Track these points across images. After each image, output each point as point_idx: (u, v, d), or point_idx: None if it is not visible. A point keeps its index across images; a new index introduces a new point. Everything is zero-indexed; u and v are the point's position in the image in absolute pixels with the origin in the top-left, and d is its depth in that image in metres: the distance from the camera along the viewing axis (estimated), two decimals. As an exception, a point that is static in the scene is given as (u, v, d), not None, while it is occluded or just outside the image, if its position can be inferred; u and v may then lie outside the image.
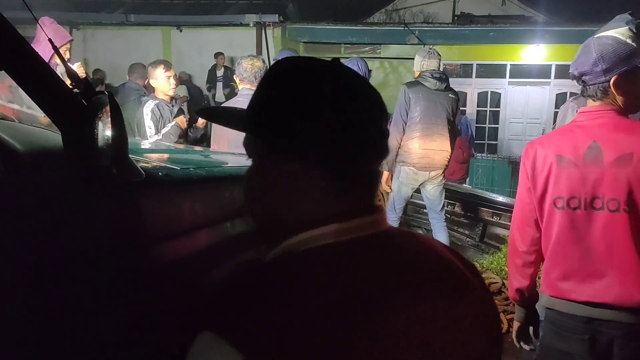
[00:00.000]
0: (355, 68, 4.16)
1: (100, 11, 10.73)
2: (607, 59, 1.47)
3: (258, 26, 10.33)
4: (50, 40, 1.23)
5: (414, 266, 0.68)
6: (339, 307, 0.59)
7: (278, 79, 0.72)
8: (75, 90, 1.24)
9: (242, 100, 3.22)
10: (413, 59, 9.38)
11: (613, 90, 1.49)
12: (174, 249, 1.46)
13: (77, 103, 1.24)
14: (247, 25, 10.35)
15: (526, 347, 1.77)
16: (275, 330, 0.57)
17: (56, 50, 1.25)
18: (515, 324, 1.79)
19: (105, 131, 1.22)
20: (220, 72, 10.04)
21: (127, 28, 10.57)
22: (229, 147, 3.09)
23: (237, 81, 3.35)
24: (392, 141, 4.07)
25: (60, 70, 3.30)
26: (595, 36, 1.55)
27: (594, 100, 1.54)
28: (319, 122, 0.66)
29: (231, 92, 9.96)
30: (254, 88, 3.03)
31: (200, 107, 0.95)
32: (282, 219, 0.71)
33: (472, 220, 4.96)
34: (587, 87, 1.53)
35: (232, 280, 0.70)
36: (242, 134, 2.81)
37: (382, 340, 0.59)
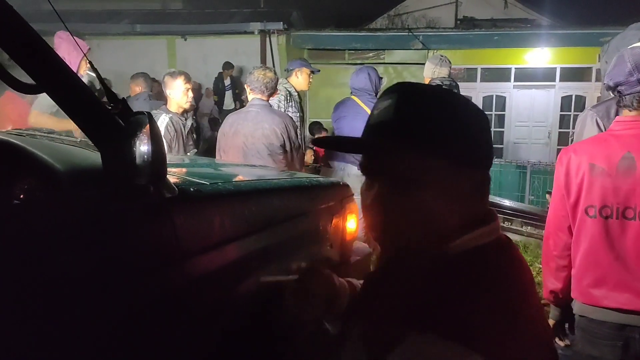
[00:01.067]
0: (365, 76, 4.18)
1: (106, 22, 10.81)
2: None
3: (262, 34, 10.39)
4: (90, 62, 1.26)
5: (522, 262, 0.82)
6: (515, 295, 0.73)
7: (430, 106, 0.79)
8: (113, 109, 1.27)
9: (254, 110, 3.24)
10: (417, 64, 9.30)
11: None
12: (207, 263, 1.48)
13: (115, 123, 1.26)
14: (252, 33, 10.41)
15: (560, 343, 1.81)
16: (488, 322, 0.67)
17: (93, 67, 1.28)
18: (551, 322, 1.83)
19: (142, 149, 1.25)
20: (227, 81, 10.10)
21: (132, 38, 10.64)
22: (239, 157, 3.12)
23: (248, 90, 3.38)
24: None
25: (86, 79, 3.33)
26: (629, 47, 1.57)
27: (629, 110, 1.56)
28: (474, 139, 0.78)
29: (238, 99, 10.03)
30: (265, 98, 3.04)
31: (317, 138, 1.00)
32: (432, 227, 0.77)
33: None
34: (623, 97, 1.55)
35: (425, 284, 0.75)
36: (255, 144, 2.79)
37: (530, 325, 0.73)
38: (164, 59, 11.23)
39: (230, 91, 10.06)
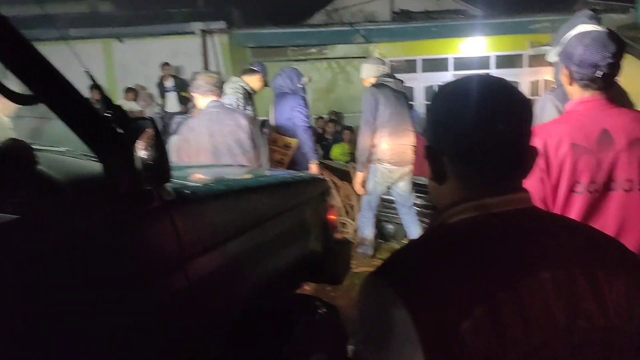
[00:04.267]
0: (287, 79, 4.34)
1: (38, 27, 10.32)
2: (620, 52, 1.60)
3: (203, 34, 10.24)
4: (86, 71, 1.25)
5: (551, 238, 0.81)
6: (474, 265, 0.76)
7: (434, 99, 0.92)
8: (111, 117, 1.27)
9: (214, 110, 3.27)
10: (359, 57, 9.46)
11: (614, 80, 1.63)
12: (209, 263, 1.50)
13: (113, 130, 1.26)
14: (192, 33, 10.25)
15: None
16: (424, 277, 0.75)
17: (90, 76, 1.27)
18: None
19: (145, 154, 1.26)
20: (169, 83, 9.88)
21: (65, 43, 10.23)
22: (208, 159, 3.12)
23: (198, 97, 3.39)
24: (364, 142, 4.20)
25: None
26: (599, 30, 1.64)
27: (584, 90, 1.66)
28: (461, 130, 0.85)
29: (184, 100, 9.82)
30: (217, 98, 3.09)
31: None
32: (442, 199, 0.90)
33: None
34: (599, 78, 1.62)
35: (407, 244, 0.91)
36: (224, 143, 2.86)
37: (513, 296, 0.73)
38: (100, 63, 10.85)
39: (174, 93, 9.84)
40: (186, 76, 10.32)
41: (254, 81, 4.41)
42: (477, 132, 0.84)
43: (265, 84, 4.61)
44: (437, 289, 0.73)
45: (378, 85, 4.24)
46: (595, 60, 1.60)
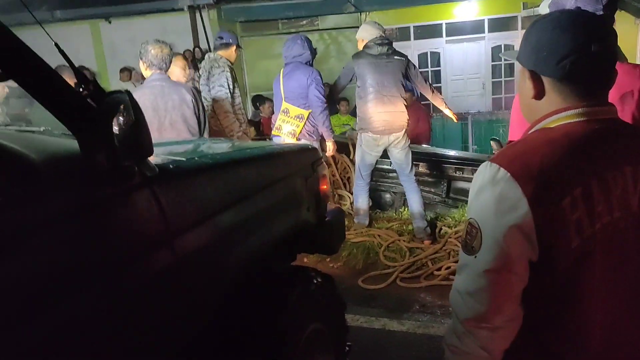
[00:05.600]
0: (301, 48, 4.19)
1: (22, 10, 10.11)
2: (612, 4, 1.56)
3: (191, 10, 10.06)
4: (56, 44, 1.20)
5: (633, 142, 1.07)
6: (575, 157, 0.99)
7: (532, 32, 1.09)
8: (84, 92, 1.22)
9: (158, 84, 3.22)
10: (351, 27, 9.32)
11: None
12: (197, 238, 1.48)
13: (87, 105, 1.22)
14: (181, 9, 10.06)
15: None
16: (534, 163, 0.98)
17: (60, 51, 1.23)
18: None
19: (123, 129, 1.22)
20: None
21: (52, 25, 10.03)
22: (152, 133, 3.14)
23: (144, 67, 3.30)
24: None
25: None
26: None
27: None
28: (539, 48, 1.06)
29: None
30: (164, 73, 3.07)
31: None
32: (539, 112, 1.10)
33: (436, 177, 5.11)
34: None
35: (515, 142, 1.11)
36: (167, 117, 2.84)
37: (602, 182, 0.98)
38: (89, 45, 10.71)
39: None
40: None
41: (231, 54, 4.34)
42: (577, 54, 1.01)
43: (238, 46, 4.54)
44: (545, 174, 0.96)
45: (357, 54, 4.27)
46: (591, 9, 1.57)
